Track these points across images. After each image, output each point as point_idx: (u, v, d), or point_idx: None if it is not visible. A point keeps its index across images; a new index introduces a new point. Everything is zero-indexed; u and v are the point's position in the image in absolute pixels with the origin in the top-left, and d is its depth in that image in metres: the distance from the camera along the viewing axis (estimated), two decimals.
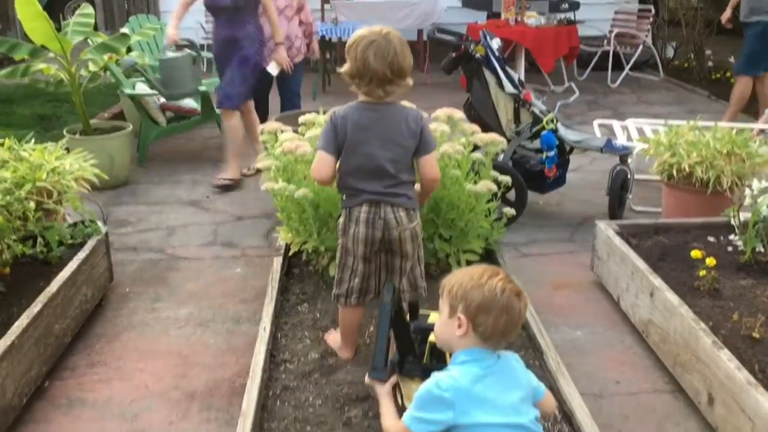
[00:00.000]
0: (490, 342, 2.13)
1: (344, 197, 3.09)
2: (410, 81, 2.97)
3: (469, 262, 4.03)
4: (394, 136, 2.95)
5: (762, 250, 3.65)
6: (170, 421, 3.08)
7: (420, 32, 10.28)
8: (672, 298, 3.30)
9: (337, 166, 3.03)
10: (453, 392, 2.06)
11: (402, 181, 3.01)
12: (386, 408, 2.39)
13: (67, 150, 4.44)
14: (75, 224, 4.08)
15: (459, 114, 4.09)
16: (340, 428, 2.85)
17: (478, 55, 5.03)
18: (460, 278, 2.16)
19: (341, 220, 3.09)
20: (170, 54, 6.02)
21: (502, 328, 2.10)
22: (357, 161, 2.97)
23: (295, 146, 3.78)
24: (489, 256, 4.26)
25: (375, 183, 2.97)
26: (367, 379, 2.55)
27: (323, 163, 2.97)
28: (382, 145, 2.94)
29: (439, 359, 2.92)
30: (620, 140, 5.66)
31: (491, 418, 2.05)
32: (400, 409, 2.90)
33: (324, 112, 4.13)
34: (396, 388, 2.98)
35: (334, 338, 3.40)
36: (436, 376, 2.15)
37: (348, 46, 2.93)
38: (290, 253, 4.24)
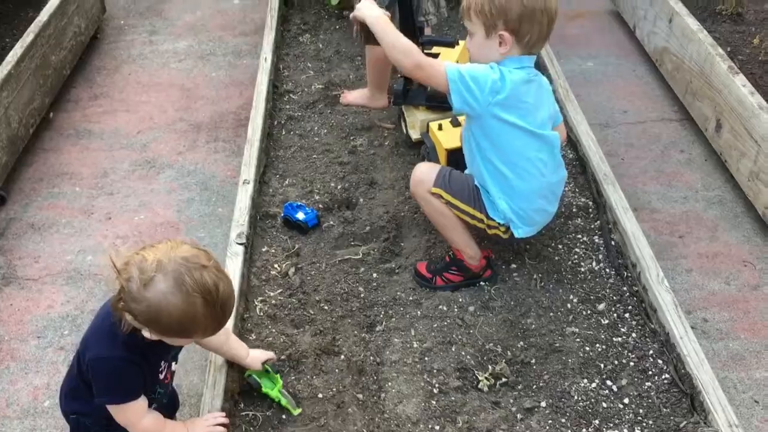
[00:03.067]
0: (535, 49, 2.03)
1: None
2: None
3: None
4: None
5: None
6: (178, 151, 3.11)
7: None
8: (691, 22, 3.14)
9: None
10: (503, 82, 1.98)
11: None
12: (387, 25, 2.06)
13: None
14: None
15: None
16: (346, 156, 2.88)
17: None
18: None
19: None
20: None
21: (546, 30, 1.99)
22: None
23: None
24: None
25: None
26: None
27: None
28: None
29: (438, 100, 2.85)
30: None
31: (522, 122, 2.03)
32: (406, 138, 2.92)
33: None
34: (401, 118, 2.97)
35: (354, 96, 3.13)
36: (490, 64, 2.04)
37: None
38: None
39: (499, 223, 2.16)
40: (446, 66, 1.96)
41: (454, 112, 2.09)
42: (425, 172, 2.22)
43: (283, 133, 3.03)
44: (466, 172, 2.24)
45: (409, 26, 2.63)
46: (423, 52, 2.70)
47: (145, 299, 1.42)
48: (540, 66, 3.34)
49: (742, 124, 2.69)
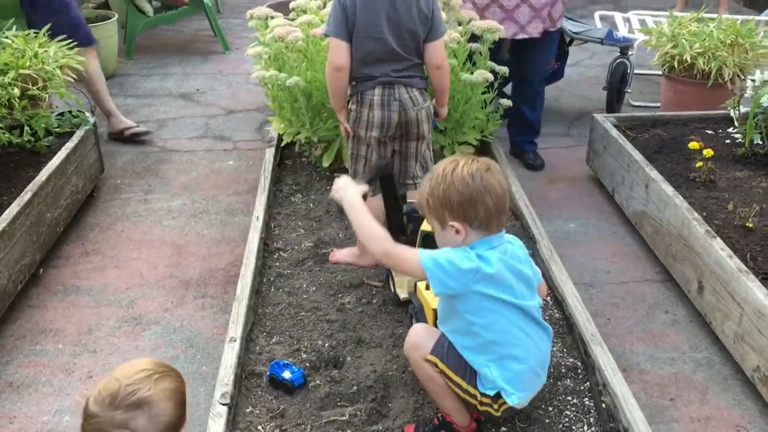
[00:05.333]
0: (492, 227, 2.04)
1: (353, 83, 2.96)
2: None
3: None
4: (406, 20, 2.82)
5: (760, 141, 3.61)
6: (165, 308, 3.11)
7: None
8: (667, 189, 3.28)
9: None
10: (481, 259, 1.99)
11: (414, 63, 2.92)
12: (360, 211, 2.13)
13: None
14: (62, 114, 4.00)
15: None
16: (334, 314, 2.88)
17: None
18: (429, 189, 2.03)
19: (352, 107, 2.97)
20: None
21: (494, 209, 2.00)
22: (369, 47, 2.84)
23: (286, 32, 3.65)
24: (484, 149, 4.22)
25: (387, 67, 2.87)
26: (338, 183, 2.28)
27: (340, 51, 2.83)
28: (394, 29, 2.82)
29: (431, 248, 2.92)
30: (622, 32, 5.50)
31: (506, 296, 2.03)
32: (394, 297, 2.95)
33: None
34: (389, 276, 3.01)
35: (343, 254, 3.21)
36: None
37: None
38: (283, 144, 4.19)
39: (491, 400, 2.10)
40: (419, 254, 2.00)
41: (435, 294, 2.08)
42: (422, 338, 2.19)
43: (272, 290, 3.05)
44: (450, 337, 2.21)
45: (392, 203, 2.73)
46: (409, 226, 2.77)
47: None
48: (523, 227, 3.45)
49: (723, 286, 2.74)
